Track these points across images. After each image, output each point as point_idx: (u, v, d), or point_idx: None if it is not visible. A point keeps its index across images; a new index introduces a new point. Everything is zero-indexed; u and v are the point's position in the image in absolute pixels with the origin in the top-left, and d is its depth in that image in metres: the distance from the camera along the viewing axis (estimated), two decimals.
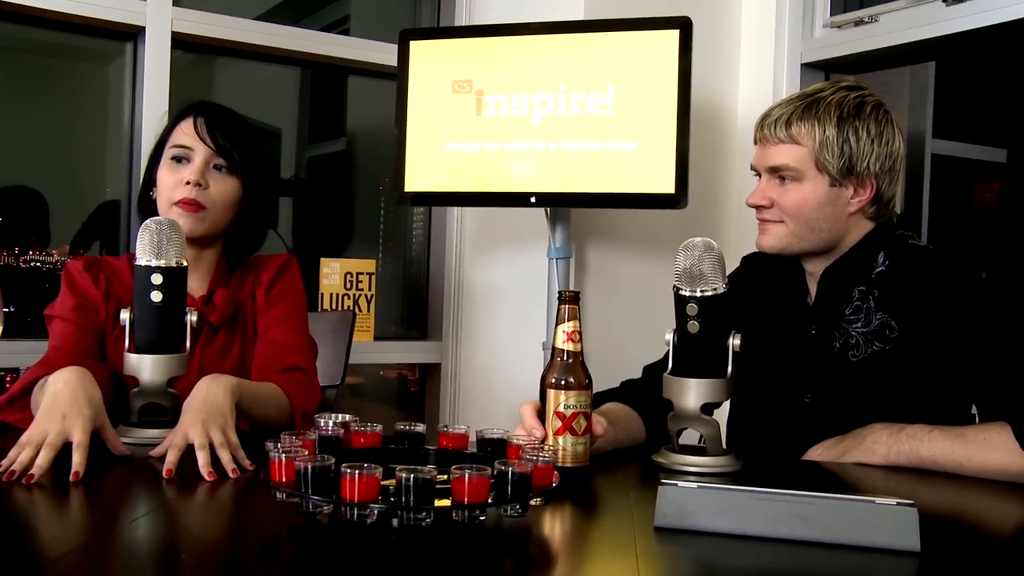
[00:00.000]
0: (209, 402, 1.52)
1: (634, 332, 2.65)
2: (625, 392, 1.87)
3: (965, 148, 3.50)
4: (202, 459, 1.41)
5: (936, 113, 3.31)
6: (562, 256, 2.74)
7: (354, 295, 3.03)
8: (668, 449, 1.60)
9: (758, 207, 1.81)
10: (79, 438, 1.38)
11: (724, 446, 1.62)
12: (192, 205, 1.81)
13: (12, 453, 1.36)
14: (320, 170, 3.47)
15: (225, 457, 1.43)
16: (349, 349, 2.31)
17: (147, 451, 1.51)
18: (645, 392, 1.82)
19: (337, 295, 3.02)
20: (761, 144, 1.82)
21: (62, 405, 1.43)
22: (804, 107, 1.76)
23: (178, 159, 1.86)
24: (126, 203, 2.85)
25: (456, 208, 3.14)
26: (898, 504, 1.15)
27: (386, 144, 2.99)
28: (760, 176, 1.83)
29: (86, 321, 1.83)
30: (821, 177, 1.75)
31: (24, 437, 1.38)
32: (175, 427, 1.50)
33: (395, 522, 1.09)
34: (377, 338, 3.09)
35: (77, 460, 1.35)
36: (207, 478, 1.38)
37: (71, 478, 1.32)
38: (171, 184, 1.84)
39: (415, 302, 3.37)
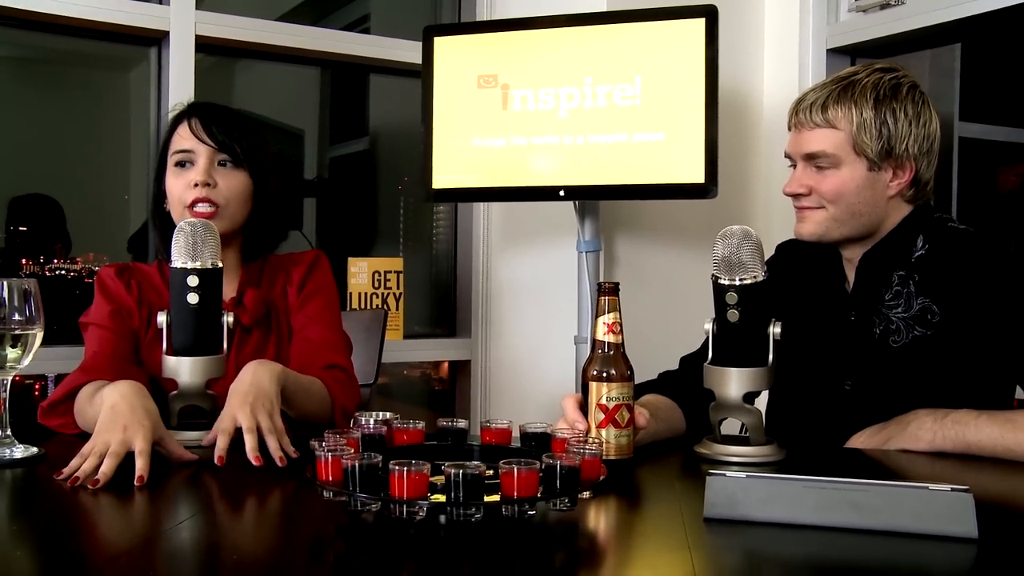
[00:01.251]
0: (256, 386, 1.54)
1: (665, 324, 2.63)
2: (663, 383, 1.85)
3: (992, 130, 3.46)
4: (250, 443, 1.43)
5: (962, 95, 3.27)
6: (592, 249, 2.72)
7: (382, 294, 3.03)
8: (710, 439, 1.58)
9: (796, 195, 1.79)
10: (141, 446, 1.38)
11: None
12: (206, 207, 1.80)
13: (74, 462, 1.35)
14: (343, 170, 3.46)
15: (272, 444, 1.44)
16: (382, 348, 2.31)
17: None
18: (684, 383, 1.81)
19: (365, 294, 3.01)
20: (796, 130, 1.79)
21: (122, 417, 1.42)
22: (840, 90, 1.73)
23: (182, 164, 1.85)
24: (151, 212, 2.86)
25: (482, 204, 3.14)
26: (952, 490, 1.12)
27: (409, 142, 2.98)
28: (794, 164, 1.81)
29: (122, 327, 1.84)
30: (859, 161, 1.72)
31: (86, 447, 1.38)
32: (222, 411, 1.51)
33: (442, 518, 1.08)
34: (406, 336, 3.09)
35: (141, 465, 1.35)
36: (254, 463, 1.39)
37: (136, 482, 1.32)
38: (180, 189, 1.83)
39: (441, 299, 3.37)
